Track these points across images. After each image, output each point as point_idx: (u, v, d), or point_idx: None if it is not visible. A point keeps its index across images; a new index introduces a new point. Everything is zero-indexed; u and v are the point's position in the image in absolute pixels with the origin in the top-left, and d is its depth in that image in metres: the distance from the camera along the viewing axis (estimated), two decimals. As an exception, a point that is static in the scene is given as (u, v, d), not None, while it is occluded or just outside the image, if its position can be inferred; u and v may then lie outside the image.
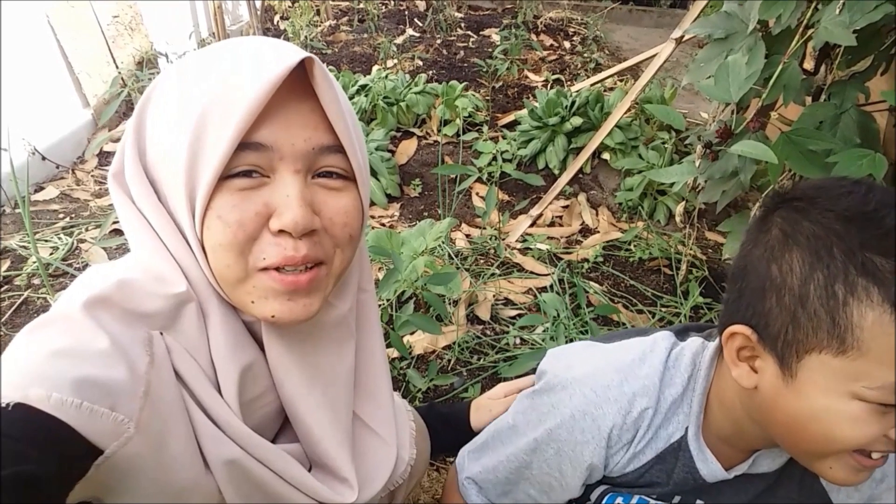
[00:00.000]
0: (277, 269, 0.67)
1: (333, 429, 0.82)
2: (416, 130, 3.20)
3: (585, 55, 4.28)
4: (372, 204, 2.71)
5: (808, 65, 1.71)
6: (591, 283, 2.16)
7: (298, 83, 0.66)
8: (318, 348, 0.81)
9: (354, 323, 0.89)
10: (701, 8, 2.15)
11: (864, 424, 0.64)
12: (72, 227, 2.45)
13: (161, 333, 0.67)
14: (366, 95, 3.08)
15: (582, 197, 2.79)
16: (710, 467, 0.86)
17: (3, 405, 0.53)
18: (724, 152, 1.56)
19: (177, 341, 0.68)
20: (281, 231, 0.66)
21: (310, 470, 0.82)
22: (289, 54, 0.65)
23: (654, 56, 2.44)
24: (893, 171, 1.46)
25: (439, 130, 3.12)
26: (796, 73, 1.51)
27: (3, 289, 2.08)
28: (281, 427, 0.85)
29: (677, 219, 2.02)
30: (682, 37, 2.18)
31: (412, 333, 1.88)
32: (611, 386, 0.87)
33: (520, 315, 1.99)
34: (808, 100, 1.66)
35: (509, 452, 0.97)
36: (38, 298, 2.04)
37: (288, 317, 0.69)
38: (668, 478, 0.90)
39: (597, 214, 2.70)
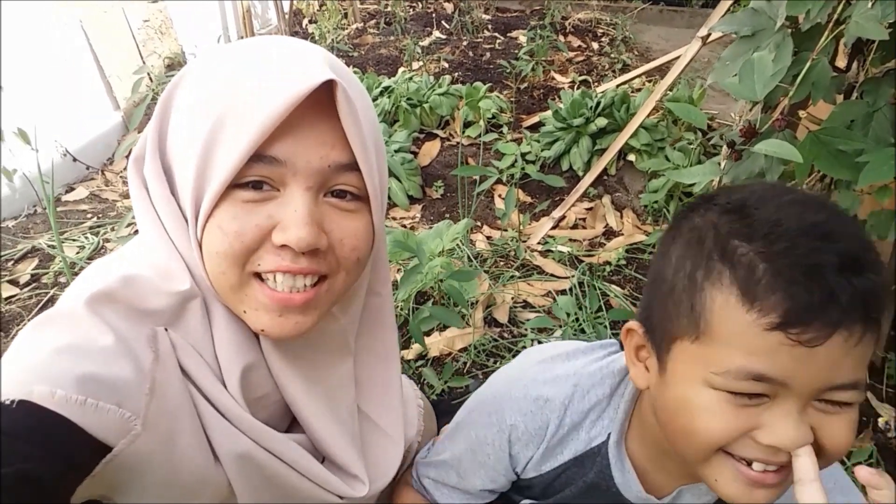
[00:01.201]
0: (273, 278, 0.66)
1: (338, 431, 0.81)
2: (439, 132, 3.18)
3: (613, 56, 4.21)
4: (393, 205, 2.71)
5: (841, 62, 1.65)
6: (613, 286, 2.12)
7: (321, 98, 0.64)
8: (317, 355, 0.81)
9: (353, 335, 0.88)
10: (728, 5, 2.09)
11: (717, 416, 0.62)
12: (99, 226, 2.49)
13: (166, 330, 0.66)
14: (389, 97, 3.08)
15: (606, 199, 2.75)
16: (626, 477, 0.82)
17: (6, 402, 0.53)
18: (748, 152, 1.51)
19: (182, 337, 0.68)
20: (283, 245, 0.65)
21: (322, 462, 0.82)
22: (311, 72, 0.63)
23: (681, 56, 2.39)
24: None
25: (462, 132, 3.10)
26: (826, 70, 1.45)
27: (30, 286, 2.13)
28: (290, 423, 0.84)
29: (702, 221, 1.96)
30: (709, 35, 2.12)
31: (428, 334, 1.86)
32: (525, 372, 0.89)
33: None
34: (840, 98, 1.60)
35: (444, 442, 0.99)
36: (64, 296, 2.08)
37: (277, 333, 0.69)
38: (589, 495, 0.86)
39: (621, 217, 2.65)
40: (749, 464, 0.64)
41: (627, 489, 0.83)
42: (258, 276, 0.67)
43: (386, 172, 0.76)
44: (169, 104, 0.71)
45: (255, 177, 0.64)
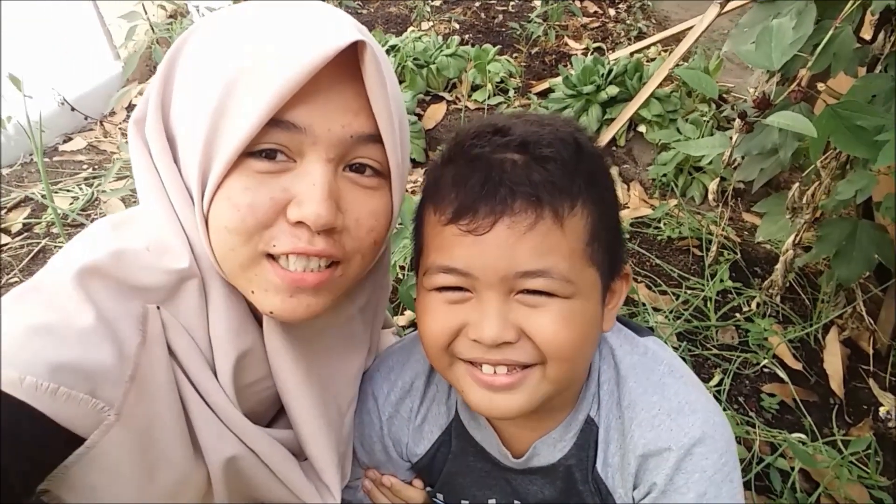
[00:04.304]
0: (285, 257, 0.63)
1: (322, 431, 0.78)
2: (445, 95, 3.10)
3: (629, 23, 4.08)
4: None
5: (867, 34, 1.56)
6: (614, 260, 2.07)
7: (345, 62, 0.59)
8: (320, 346, 0.77)
9: (368, 328, 0.84)
10: (750, -31, 1.98)
11: (434, 314, 0.67)
12: (94, 178, 2.45)
13: (158, 308, 0.63)
14: (395, 56, 2.99)
15: (614, 171, 2.67)
16: (483, 432, 0.82)
17: None
18: (760, 124, 1.43)
19: (174, 317, 0.64)
20: (299, 222, 0.60)
21: (304, 460, 0.79)
22: (338, 32, 0.58)
23: (697, 23, 2.28)
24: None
25: (469, 95, 3.01)
26: (849, 39, 1.37)
27: (22, 236, 2.10)
28: (278, 411, 0.81)
29: (710, 197, 1.89)
30: (728, 1, 2.02)
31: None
32: (392, 351, 0.90)
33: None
34: (863, 72, 1.52)
35: None
36: (56, 247, 2.05)
37: (288, 315, 0.65)
38: (462, 462, 0.86)
39: (628, 189, 2.58)
40: (481, 367, 0.66)
41: (489, 444, 0.82)
42: (269, 255, 0.63)
43: (408, 148, 0.72)
44: (174, 65, 0.65)
45: (270, 144, 0.59)
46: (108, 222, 0.67)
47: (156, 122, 0.65)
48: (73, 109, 2.82)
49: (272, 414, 0.80)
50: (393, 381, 0.86)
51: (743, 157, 1.71)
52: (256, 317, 0.71)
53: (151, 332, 0.61)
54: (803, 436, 1.45)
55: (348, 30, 0.59)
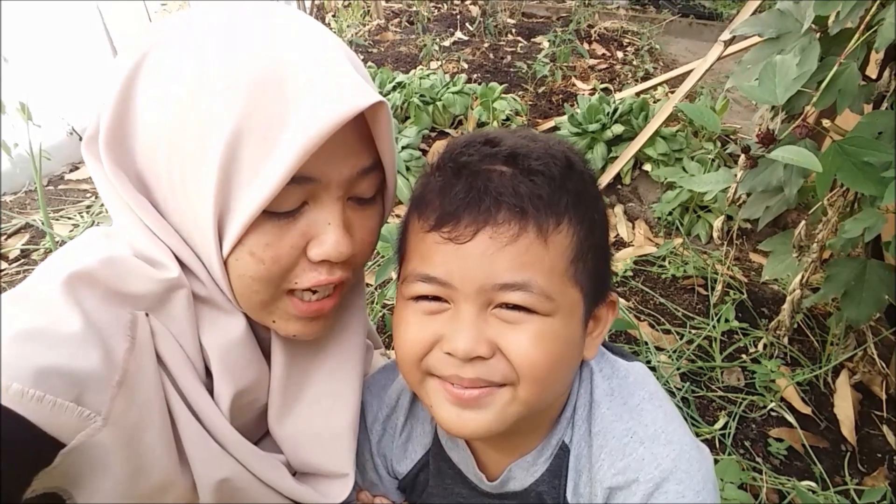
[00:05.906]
0: (305, 290, 0.66)
1: (329, 444, 0.79)
2: (451, 131, 3.11)
3: (636, 64, 4.12)
4: (399, 203, 2.64)
5: (872, 71, 1.54)
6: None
7: None
8: (325, 356, 0.79)
9: (365, 326, 0.86)
10: (755, 6, 1.99)
11: (410, 325, 0.65)
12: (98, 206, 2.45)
13: (147, 315, 0.63)
14: (401, 93, 3.01)
15: (619, 209, 2.65)
16: (461, 454, 0.80)
17: None
18: (765, 160, 1.41)
19: (164, 325, 0.64)
20: (322, 260, 0.64)
21: (294, 475, 0.79)
22: (358, 94, 0.59)
23: (702, 61, 2.28)
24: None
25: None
26: (854, 76, 1.35)
27: (19, 262, 2.09)
28: (265, 434, 0.81)
29: (715, 235, 1.86)
30: (732, 40, 2.02)
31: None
32: (383, 369, 0.89)
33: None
34: (869, 109, 1.50)
35: None
36: (52, 274, 2.03)
37: (308, 335, 0.71)
38: (439, 484, 0.84)
39: (633, 228, 2.55)
40: (448, 381, 0.64)
41: (465, 466, 0.80)
42: (290, 290, 0.66)
43: (395, 161, 0.75)
44: (134, 84, 0.60)
45: (289, 205, 0.61)
46: (101, 231, 0.68)
47: (110, 158, 0.62)
48: (80, 139, 2.85)
49: (262, 431, 0.80)
50: (381, 398, 0.86)
51: (748, 195, 1.68)
52: (260, 342, 0.73)
53: (140, 338, 0.61)
54: (813, 484, 1.38)
55: (362, 90, 0.60)
